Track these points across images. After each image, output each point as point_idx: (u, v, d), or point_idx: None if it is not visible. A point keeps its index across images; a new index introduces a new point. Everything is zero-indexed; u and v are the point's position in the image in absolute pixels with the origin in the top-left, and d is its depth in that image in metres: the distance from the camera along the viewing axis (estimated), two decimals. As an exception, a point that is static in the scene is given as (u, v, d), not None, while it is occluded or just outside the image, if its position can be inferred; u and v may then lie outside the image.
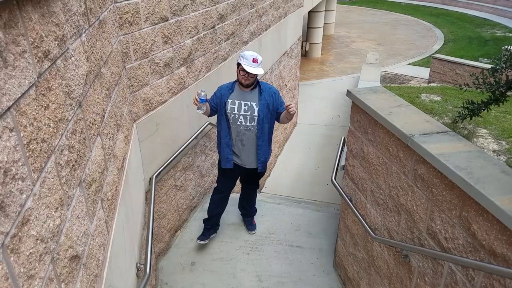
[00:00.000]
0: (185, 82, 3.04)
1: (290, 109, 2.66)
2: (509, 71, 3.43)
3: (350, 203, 2.62)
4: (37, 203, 0.85)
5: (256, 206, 3.65)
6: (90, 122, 1.39)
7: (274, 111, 2.86)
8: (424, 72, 10.29)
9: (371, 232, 2.32)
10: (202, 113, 2.73)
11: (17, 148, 0.77)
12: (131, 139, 2.34)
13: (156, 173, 2.77)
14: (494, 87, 3.34)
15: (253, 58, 2.64)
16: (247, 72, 2.66)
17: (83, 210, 1.21)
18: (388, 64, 11.47)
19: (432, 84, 9.62)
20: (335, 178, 2.91)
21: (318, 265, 3.25)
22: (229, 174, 3.08)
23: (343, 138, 3.32)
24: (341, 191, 2.77)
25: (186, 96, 3.10)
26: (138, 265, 2.11)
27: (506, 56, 3.27)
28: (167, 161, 2.91)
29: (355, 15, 19.34)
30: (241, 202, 3.53)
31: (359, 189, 2.61)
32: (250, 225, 3.56)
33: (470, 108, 3.66)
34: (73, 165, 1.14)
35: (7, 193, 0.71)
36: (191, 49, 3.03)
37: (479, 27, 15.83)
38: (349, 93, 2.56)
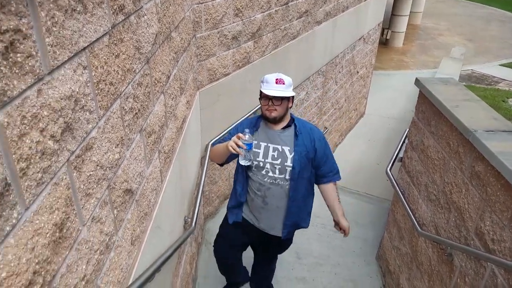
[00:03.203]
0: (250, 57, 3.13)
1: (347, 233, 2.09)
2: None
3: (401, 196, 2.54)
4: (101, 135, 1.00)
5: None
6: (155, 79, 1.54)
7: (313, 163, 2.03)
8: (516, 76, 9.20)
9: (418, 227, 2.24)
10: (244, 163, 1.89)
11: (88, 84, 0.91)
12: (193, 105, 2.51)
13: (213, 141, 2.93)
14: None
15: (276, 79, 1.89)
16: (270, 99, 1.89)
17: (141, 154, 1.37)
18: (476, 63, 10.42)
19: (524, 89, 8.57)
20: (390, 170, 2.83)
21: (360, 254, 3.21)
22: (233, 235, 2.23)
23: (406, 130, 3.18)
24: (394, 183, 2.69)
25: (250, 71, 3.18)
26: (186, 218, 2.30)
27: None
28: (224, 131, 3.06)
29: (446, 6, 17.69)
30: (254, 277, 2.66)
31: (413, 182, 2.51)
32: None
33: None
34: (135, 113, 1.29)
35: (75, 118, 0.85)
36: (261, 24, 3.08)
37: None
38: (417, 82, 2.44)
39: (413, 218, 2.34)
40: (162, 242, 1.74)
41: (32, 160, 0.69)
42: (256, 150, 1.98)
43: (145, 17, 1.33)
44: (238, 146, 1.78)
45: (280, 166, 1.96)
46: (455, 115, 1.95)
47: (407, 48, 11.78)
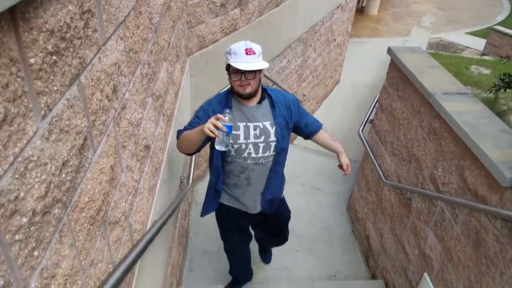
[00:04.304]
0: (237, 24, 3.25)
1: (347, 172, 2.05)
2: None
3: (370, 153, 2.87)
4: (131, 97, 1.18)
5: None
6: (160, 47, 1.69)
7: (291, 129, 1.96)
8: (480, 43, 9.69)
9: (383, 178, 2.60)
10: (221, 149, 1.62)
11: (123, 53, 1.08)
12: (185, 72, 2.65)
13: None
14: (538, 62, 3.29)
15: (246, 49, 1.64)
16: (242, 73, 1.66)
17: (153, 116, 1.55)
18: (445, 31, 10.83)
19: (485, 57, 9.08)
20: (362, 131, 3.13)
21: (334, 206, 3.59)
22: (229, 223, 2.16)
23: (377, 95, 3.47)
24: (365, 141, 3.00)
25: (237, 38, 3.31)
26: (182, 178, 2.51)
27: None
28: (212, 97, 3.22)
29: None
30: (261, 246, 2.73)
31: (381, 141, 2.84)
32: (269, 256, 2.84)
33: (506, 80, 3.64)
34: (149, 78, 1.46)
35: (118, 82, 1.02)
36: (246, -8, 3.19)
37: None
38: (389, 50, 2.68)
39: (380, 171, 2.69)
40: (168, 196, 1.96)
41: (97, 114, 0.87)
42: (235, 132, 1.76)
43: (155, -10, 1.46)
44: (217, 128, 1.51)
45: (264, 144, 1.82)
46: (419, 80, 2.23)
47: (381, 16, 11.99)
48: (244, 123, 1.79)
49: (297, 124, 1.96)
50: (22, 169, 0.56)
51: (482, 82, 5.61)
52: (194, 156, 2.64)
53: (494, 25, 10.12)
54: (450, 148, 1.96)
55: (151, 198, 1.56)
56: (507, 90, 3.62)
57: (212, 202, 2.01)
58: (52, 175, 0.65)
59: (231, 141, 1.74)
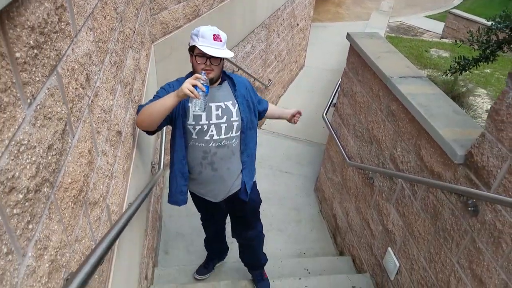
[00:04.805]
0: (200, 10, 3.28)
1: (296, 120, 2.13)
2: (502, 31, 3.64)
3: (334, 135, 3.04)
4: (101, 85, 1.24)
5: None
6: (126, 35, 1.73)
7: (253, 109, 1.96)
8: (439, 27, 10.19)
9: (347, 159, 2.77)
10: (196, 112, 1.70)
11: (93, 43, 1.13)
12: (150, 58, 2.67)
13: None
14: (484, 45, 3.58)
15: (214, 35, 1.66)
16: (208, 58, 1.67)
17: (123, 102, 1.61)
18: (405, 14, 11.26)
19: (444, 40, 9.60)
20: (326, 114, 3.30)
21: (302, 188, 3.77)
22: (199, 203, 2.20)
23: (339, 79, 3.65)
24: (329, 125, 3.17)
25: (200, 23, 3.34)
26: (153, 163, 2.58)
27: (500, 17, 3.46)
28: (179, 82, 3.26)
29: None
30: (241, 254, 2.52)
31: (344, 123, 3.01)
32: (260, 281, 2.49)
33: (461, 63, 3.93)
34: (117, 66, 1.51)
35: (90, 71, 1.08)
36: (209, -21, 3.22)
37: (507, -16, 15.09)
38: (348, 36, 2.84)
39: (344, 153, 2.86)
40: (141, 180, 2.03)
41: (74, 102, 0.94)
42: (198, 113, 1.76)
43: (119, -20, 1.50)
44: (196, 88, 1.51)
45: (226, 124, 1.81)
46: (376, 64, 2.38)
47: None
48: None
49: (255, 104, 1.97)
50: (15, 152, 0.64)
51: (441, 64, 5.97)
52: (163, 141, 2.71)
53: (451, 8, 10.66)
54: (407, 129, 2.12)
55: (125, 182, 1.63)
56: (463, 72, 3.90)
57: (181, 195, 1.94)
58: (41, 157, 0.73)
59: (192, 122, 1.77)
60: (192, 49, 1.70)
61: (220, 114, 1.81)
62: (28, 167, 0.68)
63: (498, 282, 1.58)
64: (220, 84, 1.84)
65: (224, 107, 1.82)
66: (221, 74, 1.82)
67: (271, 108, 2.15)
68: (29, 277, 0.68)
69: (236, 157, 1.92)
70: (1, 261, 0.59)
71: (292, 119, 2.13)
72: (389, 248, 2.37)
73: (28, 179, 0.68)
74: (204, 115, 1.78)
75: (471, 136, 1.76)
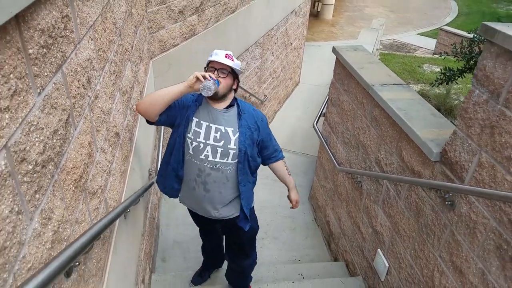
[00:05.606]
0: (196, 29, 3.48)
1: (294, 207, 2.23)
2: (484, 43, 3.84)
3: (325, 143, 3.17)
4: (102, 89, 1.38)
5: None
6: (125, 48, 1.89)
7: (258, 145, 1.96)
8: (431, 43, 10.49)
9: (337, 165, 2.89)
10: (206, 94, 1.73)
11: (94, 51, 1.28)
12: (149, 73, 2.84)
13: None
14: (467, 56, 3.77)
15: (226, 54, 1.82)
16: (216, 69, 1.81)
17: (121, 108, 1.75)
18: (398, 32, 11.61)
19: (436, 56, 9.87)
20: (316, 124, 3.45)
21: (297, 196, 3.87)
22: (195, 218, 2.25)
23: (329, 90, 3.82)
24: (319, 133, 3.31)
25: (196, 42, 3.55)
26: (150, 170, 2.70)
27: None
28: (176, 96, 3.42)
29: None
30: (228, 274, 2.58)
31: (333, 131, 3.14)
32: None
33: (447, 74, 4.11)
34: (116, 75, 1.66)
35: (91, 74, 1.23)
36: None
37: (495, 3, 15.63)
38: (334, 50, 3.01)
39: (333, 159, 2.99)
40: (138, 184, 2.15)
41: (76, 98, 1.08)
42: (197, 129, 1.83)
43: (118, -2, 1.67)
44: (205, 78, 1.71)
45: (222, 149, 1.82)
46: (359, 74, 2.55)
47: (336, 19, 12.63)
48: (207, 123, 1.83)
49: (260, 142, 1.96)
50: (27, 129, 0.77)
51: (434, 79, 6.19)
52: (160, 152, 2.84)
53: (442, 26, 11.00)
54: (389, 132, 2.26)
55: (122, 181, 1.75)
56: (449, 83, 4.07)
57: (174, 191, 1.99)
58: (47, 138, 0.86)
59: (190, 135, 1.82)
60: (207, 66, 1.86)
61: (218, 137, 1.83)
62: (37, 144, 0.81)
63: (476, 271, 1.67)
64: (227, 108, 1.87)
65: (223, 131, 1.83)
66: (229, 95, 1.87)
67: (279, 166, 2.15)
68: (35, 239, 0.80)
69: (231, 184, 1.90)
70: (13, 217, 0.71)
71: (290, 200, 2.22)
72: (379, 250, 2.45)
73: (37, 154, 0.81)
74: (203, 132, 1.82)
75: (447, 136, 1.88)
